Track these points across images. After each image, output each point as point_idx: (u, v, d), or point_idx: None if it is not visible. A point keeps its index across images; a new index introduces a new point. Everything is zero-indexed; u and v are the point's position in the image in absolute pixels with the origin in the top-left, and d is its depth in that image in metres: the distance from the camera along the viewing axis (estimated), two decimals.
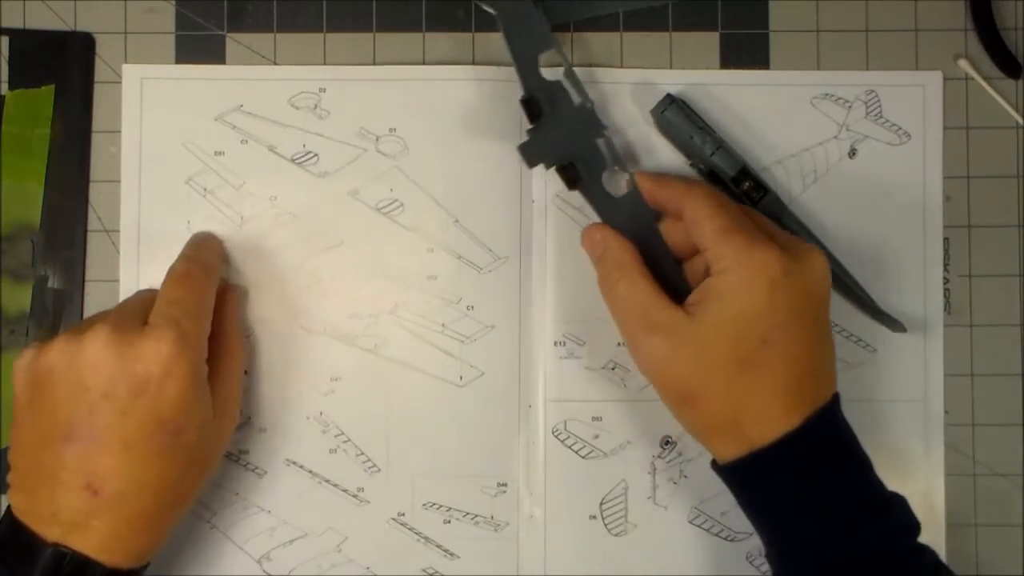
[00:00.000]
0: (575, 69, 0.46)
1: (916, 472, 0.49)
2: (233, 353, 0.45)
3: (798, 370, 0.40)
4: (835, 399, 0.42)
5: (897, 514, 0.41)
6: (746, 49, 0.50)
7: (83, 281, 0.49)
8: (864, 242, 0.49)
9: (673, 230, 0.44)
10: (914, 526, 0.41)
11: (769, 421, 0.40)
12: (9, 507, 0.41)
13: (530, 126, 0.45)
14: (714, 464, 0.43)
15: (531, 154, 0.45)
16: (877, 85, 0.49)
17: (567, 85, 0.45)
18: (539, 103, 0.45)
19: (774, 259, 0.40)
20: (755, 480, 0.41)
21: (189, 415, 0.41)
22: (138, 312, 0.42)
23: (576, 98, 0.45)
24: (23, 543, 0.39)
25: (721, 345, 0.40)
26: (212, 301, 0.44)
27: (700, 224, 0.41)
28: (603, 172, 0.45)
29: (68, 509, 0.39)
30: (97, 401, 0.39)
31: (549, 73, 0.45)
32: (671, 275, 0.43)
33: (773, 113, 0.49)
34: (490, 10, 0.46)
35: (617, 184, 0.46)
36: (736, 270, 0.40)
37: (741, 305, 0.40)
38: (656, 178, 0.45)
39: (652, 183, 0.44)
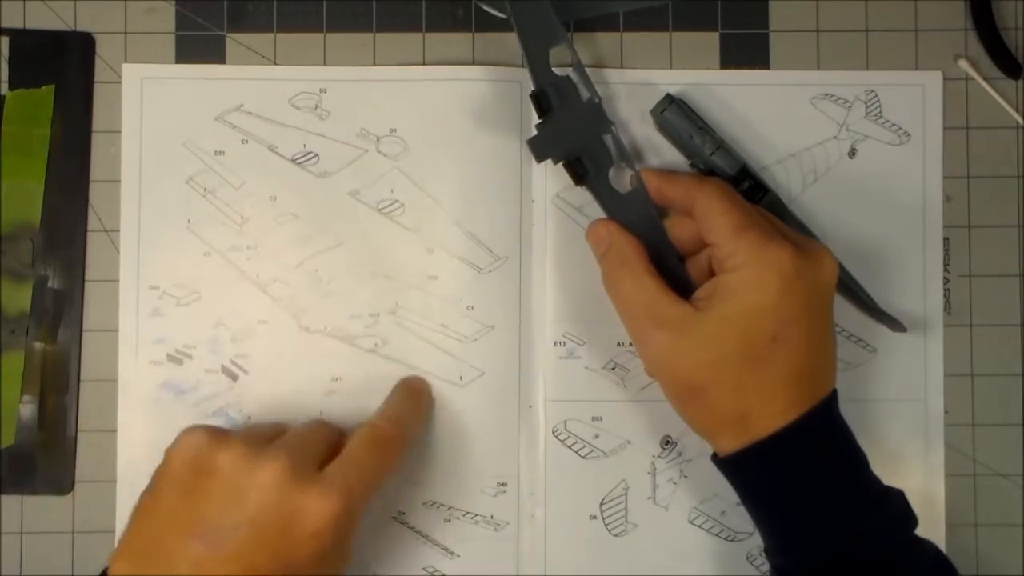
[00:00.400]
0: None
1: (916, 472, 0.49)
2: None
3: (804, 366, 0.40)
4: (833, 394, 0.42)
5: (894, 506, 0.41)
6: (746, 49, 0.50)
7: (83, 281, 0.49)
8: (864, 242, 0.49)
9: (677, 226, 0.44)
10: (911, 518, 0.41)
11: (773, 415, 0.40)
12: (105, 571, 0.40)
13: (538, 121, 0.45)
14: (714, 457, 0.43)
15: (540, 148, 0.45)
16: (877, 85, 0.49)
17: (576, 80, 0.45)
18: (549, 97, 0.45)
19: (787, 257, 0.40)
20: (755, 471, 0.41)
21: (318, 571, 0.40)
22: (320, 452, 0.42)
23: (584, 93, 0.45)
24: None
25: (731, 340, 0.40)
26: (393, 472, 0.44)
27: (712, 220, 0.41)
28: (610, 168, 0.45)
29: None
30: (243, 523, 0.39)
31: (557, 72, 0.45)
32: (675, 271, 0.44)
33: (773, 113, 0.49)
34: (493, 11, 0.46)
35: (623, 180, 0.46)
36: (749, 266, 0.40)
37: (753, 301, 0.40)
38: (664, 175, 0.45)
39: (660, 180, 0.44)
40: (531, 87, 0.45)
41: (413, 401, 0.47)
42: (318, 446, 0.42)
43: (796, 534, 0.41)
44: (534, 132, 0.45)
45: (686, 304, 0.41)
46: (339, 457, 0.42)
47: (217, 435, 0.41)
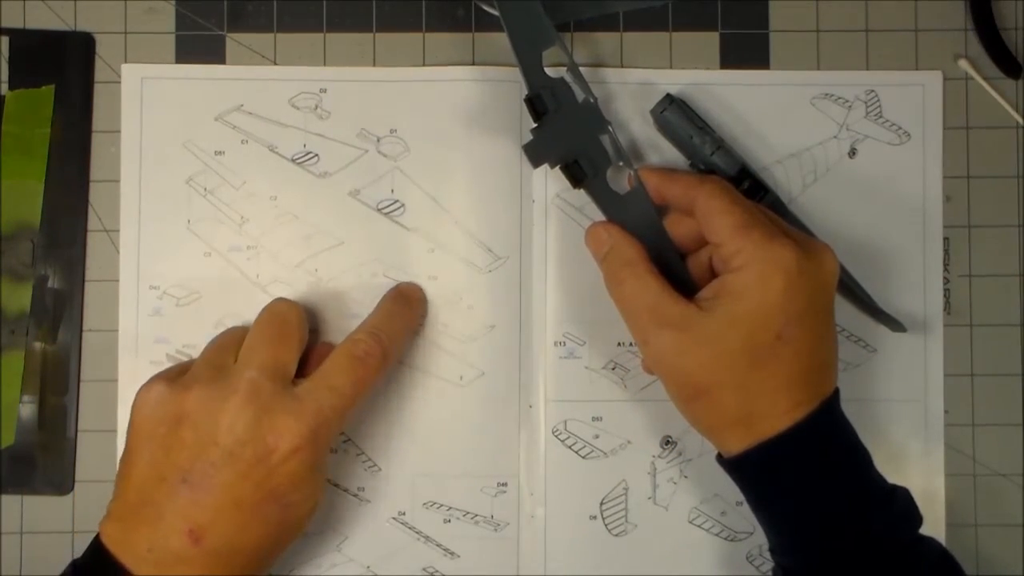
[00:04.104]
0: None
1: (916, 472, 0.49)
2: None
3: (808, 364, 0.40)
4: (836, 393, 0.42)
5: (900, 505, 0.41)
6: (746, 49, 0.50)
7: (83, 281, 0.49)
8: (864, 242, 0.49)
9: (677, 224, 0.44)
10: (917, 516, 0.41)
11: (779, 414, 0.40)
12: (98, 536, 0.41)
13: (533, 125, 0.45)
14: (719, 458, 0.43)
15: (536, 153, 0.44)
16: (877, 85, 0.49)
17: (570, 81, 0.45)
18: (544, 101, 0.44)
19: (791, 255, 0.40)
20: (761, 472, 0.41)
21: (302, 492, 0.41)
22: (284, 364, 0.42)
23: (579, 94, 0.45)
24: (110, 574, 0.40)
25: (736, 340, 0.40)
26: (374, 388, 0.44)
27: (714, 219, 0.41)
28: (607, 169, 0.45)
29: (164, 549, 0.40)
30: (222, 458, 0.40)
31: (551, 72, 0.45)
32: (676, 270, 0.43)
33: (773, 113, 0.49)
34: (493, 11, 0.46)
35: (621, 180, 0.46)
36: (753, 266, 0.40)
37: (757, 301, 0.40)
38: (663, 174, 0.44)
39: (659, 179, 0.44)
40: None
41: (400, 312, 0.47)
42: (287, 363, 0.43)
43: (803, 534, 0.41)
44: (530, 135, 0.45)
45: (690, 304, 0.41)
46: (314, 375, 0.43)
47: (177, 382, 0.42)
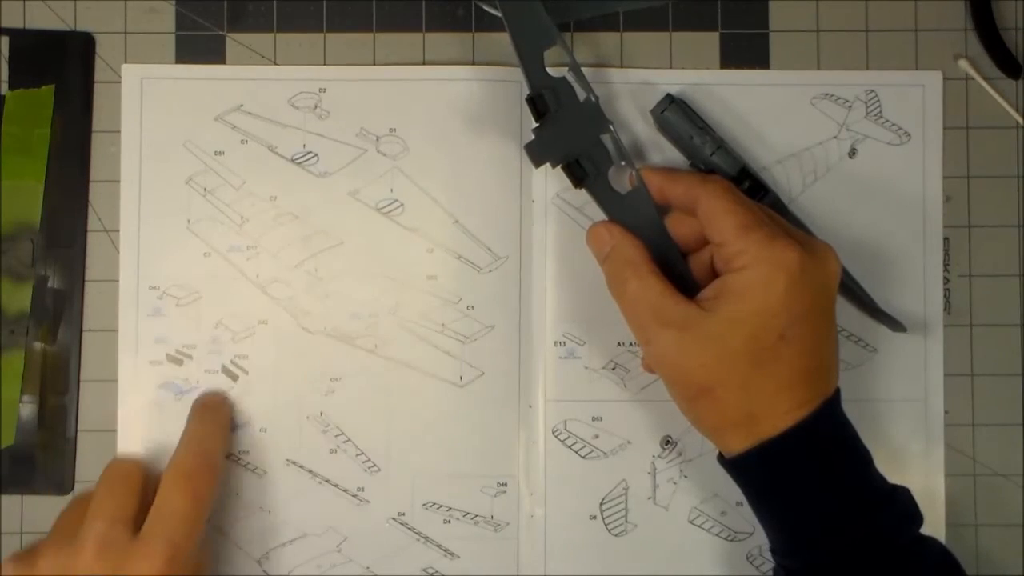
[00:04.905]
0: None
1: (916, 472, 0.49)
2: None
3: (810, 365, 0.40)
4: (837, 393, 0.42)
5: (901, 504, 0.41)
6: (746, 49, 0.50)
7: (83, 281, 0.49)
8: (864, 242, 0.49)
9: (679, 224, 0.44)
10: (918, 516, 0.41)
11: (781, 414, 0.40)
12: None
13: (535, 125, 0.45)
14: (720, 458, 0.43)
15: (537, 153, 0.44)
16: (877, 85, 0.49)
17: (571, 81, 0.45)
18: (545, 100, 0.44)
19: (794, 256, 0.40)
20: (763, 472, 0.41)
21: None
22: (132, 514, 0.42)
23: (581, 93, 0.45)
24: None
25: (738, 340, 0.40)
26: (214, 496, 0.44)
27: (717, 219, 0.41)
28: (609, 168, 0.45)
29: None
30: None
31: (552, 72, 0.45)
32: (678, 270, 0.43)
33: (773, 113, 0.49)
34: (493, 11, 0.46)
35: (622, 180, 0.46)
36: (756, 266, 0.40)
37: (760, 301, 0.40)
38: (665, 173, 0.44)
39: (661, 178, 0.44)
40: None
41: (210, 418, 0.47)
42: (128, 508, 0.42)
43: (803, 533, 0.41)
44: (532, 135, 0.45)
45: (692, 304, 0.41)
46: (153, 508, 0.42)
47: (23, 559, 0.41)
